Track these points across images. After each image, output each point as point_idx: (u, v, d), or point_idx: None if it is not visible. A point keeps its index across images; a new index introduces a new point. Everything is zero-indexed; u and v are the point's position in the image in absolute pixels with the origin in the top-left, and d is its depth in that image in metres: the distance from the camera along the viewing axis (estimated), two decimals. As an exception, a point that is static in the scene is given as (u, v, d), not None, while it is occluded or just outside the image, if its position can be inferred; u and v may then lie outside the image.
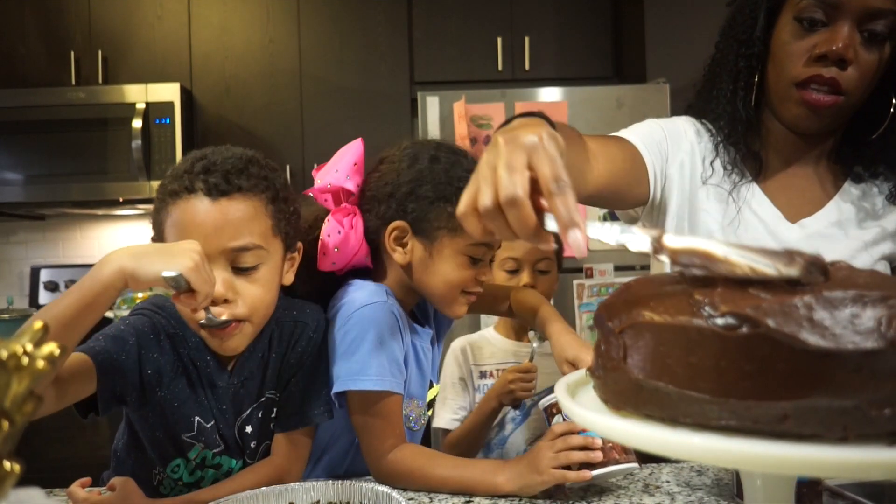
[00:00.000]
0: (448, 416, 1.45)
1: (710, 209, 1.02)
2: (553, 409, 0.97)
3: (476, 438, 1.38)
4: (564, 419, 0.90)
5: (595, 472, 0.83)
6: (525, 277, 1.45)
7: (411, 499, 0.88)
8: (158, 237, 0.85)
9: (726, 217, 1.01)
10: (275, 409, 0.93)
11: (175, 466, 0.89)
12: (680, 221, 1.04)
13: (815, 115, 0.93)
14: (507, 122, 0.67)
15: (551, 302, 1.19)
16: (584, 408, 0.48)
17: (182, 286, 0.70)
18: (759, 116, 1.01)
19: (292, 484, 0.77)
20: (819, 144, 1.02)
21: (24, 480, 0.36)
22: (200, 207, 0.81)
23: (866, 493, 0.72)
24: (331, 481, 0.78)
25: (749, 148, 1.01)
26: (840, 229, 0.99)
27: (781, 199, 1.01)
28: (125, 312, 2.40)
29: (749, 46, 0.96)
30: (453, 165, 0.97)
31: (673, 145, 1.03)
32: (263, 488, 0.76)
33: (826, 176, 1.03)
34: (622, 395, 0.46)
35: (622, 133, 1.03)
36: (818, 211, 1.00)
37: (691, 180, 1.04)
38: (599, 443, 0.83)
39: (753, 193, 1.01)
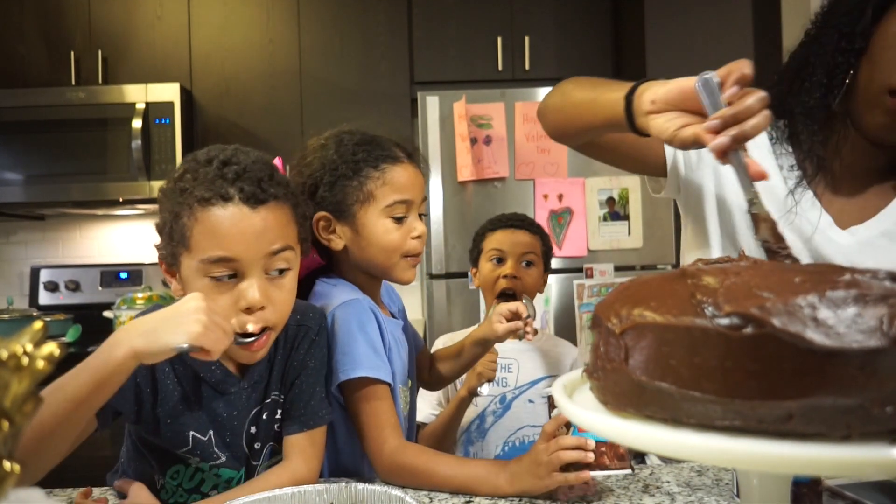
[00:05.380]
0: (427, 410, 1.47)
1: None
2: (552, 402, 0.97)
3: (448, 430, 1.39)
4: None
5: (591, 473, 0.84)
6: (508, 268, 1.47)
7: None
8: (180, 242, 0.81)
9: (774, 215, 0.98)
10: (279, 411, 0.93)
11: (174, 472, 0.89)
12: (710, 203, 1.01)
13: None
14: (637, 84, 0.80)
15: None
16: (585, 409, 0.48)
17: (196, 350, 0.70)
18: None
19: (305, 486, 0.77)
20: (887, 156, 0.96)
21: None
22: (240, 216, 0.80)
23: (866, 493, 0.72)
24: (343, 483, 0.77)
25: (815, 149, 0.95)
26: (890, 240, 0.95)
27: (834, 204, 0.98)
28: (125, 312, 2.40)
29: (850, 40, 0.89)
30: (340, 144, 1.03)
31: None
32: (276, 490, 0.75)
33: (881, 185, 0.98)
34: (623, 396, 0.45)
35: None
36: (869, 219, 0.96)
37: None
38: (592, 443, 0.83)
39: (805, 195, 0.97)
